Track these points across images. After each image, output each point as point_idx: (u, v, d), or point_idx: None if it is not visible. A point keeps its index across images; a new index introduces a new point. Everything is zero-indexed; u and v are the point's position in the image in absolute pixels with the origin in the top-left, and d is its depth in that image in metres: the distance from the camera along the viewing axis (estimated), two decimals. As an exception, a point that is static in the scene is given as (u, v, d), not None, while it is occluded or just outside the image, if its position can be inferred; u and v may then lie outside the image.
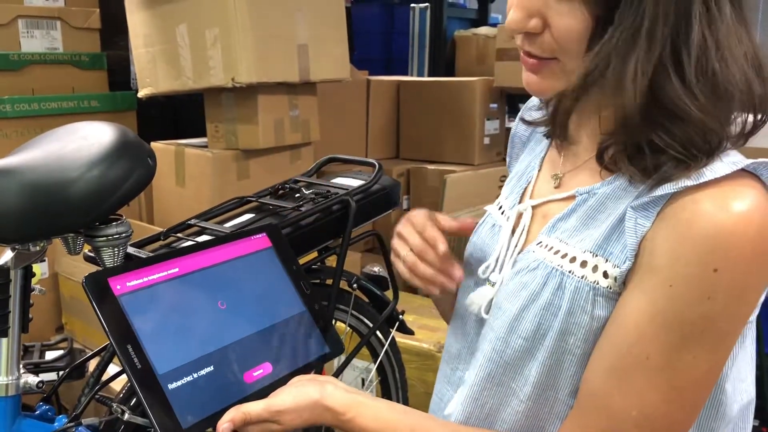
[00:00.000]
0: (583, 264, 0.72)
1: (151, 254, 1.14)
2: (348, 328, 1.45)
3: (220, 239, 0.91)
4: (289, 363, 0.86)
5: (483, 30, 3.71)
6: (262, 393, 0.79)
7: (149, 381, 0.74)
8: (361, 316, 1.47)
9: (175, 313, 0.80)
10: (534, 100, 0.93)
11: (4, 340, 1.08)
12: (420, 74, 4.21)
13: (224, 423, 0.74)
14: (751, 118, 0.71)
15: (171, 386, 0.75)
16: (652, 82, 0.66)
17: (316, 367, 0.89)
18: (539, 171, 0.88)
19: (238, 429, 0.76)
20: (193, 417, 0.75)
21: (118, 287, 0.77)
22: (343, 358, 1.39)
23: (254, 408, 0.76)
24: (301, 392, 0.77)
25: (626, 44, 0.66)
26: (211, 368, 0.79)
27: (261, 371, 0.82)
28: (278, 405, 0.76)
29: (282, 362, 0.85)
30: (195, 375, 0.77)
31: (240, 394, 0.79)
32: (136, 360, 0.74)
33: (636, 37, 0.65)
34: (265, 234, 0.95)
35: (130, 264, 0.81)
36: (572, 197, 0.78)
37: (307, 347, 0.89)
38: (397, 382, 1.59)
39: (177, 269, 0.83)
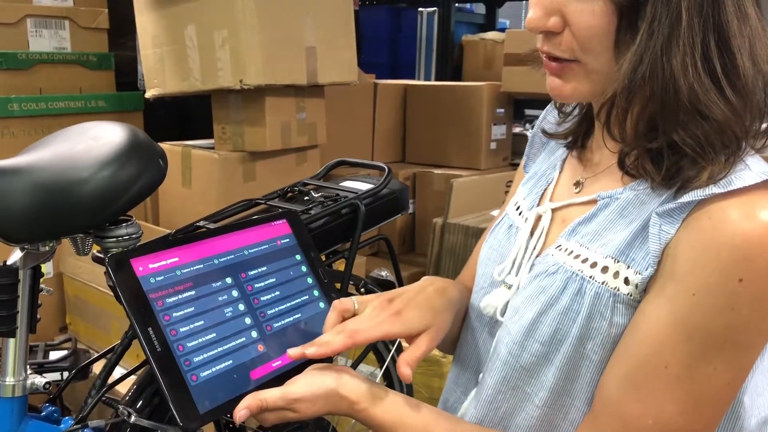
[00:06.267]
0: (604, 269, 0.71)
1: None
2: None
3: (241, 224, 0.91)
4: None
5: (490, 35, 3.71)
6: (279, 380, 0.79)
7: (168, 364, 0.74)
8: (368, 321, 1.45)
9: (196, 297, 0.80)
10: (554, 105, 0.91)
11: (12, 341, 1.07)
12: (427, 78, 4.21)
13: (241, 409, 0.74)
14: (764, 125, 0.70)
15: (190, 371, 0.75)
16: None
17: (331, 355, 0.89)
18: (560, 173, 0.87)
19: (255, 416, 0.75)
20: (210, 402, 0.75)
21: (141, 269, 0.78)
22: (349, 362, 1.38)
23: (271, 395, 0.75)
24: (318, 381, 0.77)
25: (667, 38, 0.64)
26: (230, 353, 0.79)
27: (279, 358, 0.82)
28: (294, 393, 0.75)
29: None
30: (213, 360, 0.77)
31: (257, 381, 0.79)
32: (156, 343, 0.74)
33: (676, 30, 0.64)
34: (285, 220, 0.95)
35: (154, 245, 0.81)
36: (593, 201, 0.77)
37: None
38: (403, 388, 1.58)
39: (199, 252, 0.84)
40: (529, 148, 0.98)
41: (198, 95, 2.21)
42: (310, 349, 0.79)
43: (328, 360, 0.82)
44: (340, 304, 0.84)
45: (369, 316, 0.81)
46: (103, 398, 1.14)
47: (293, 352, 0.79)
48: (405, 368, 0.77)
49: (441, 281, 0.89)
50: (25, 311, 1.07)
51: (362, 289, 1.43)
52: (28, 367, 1.10)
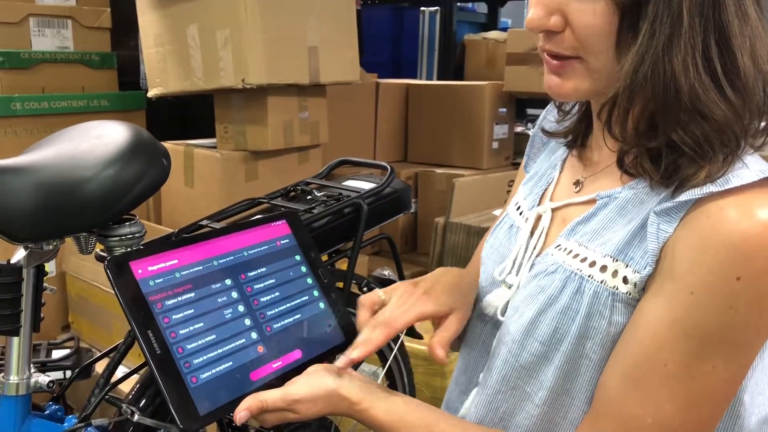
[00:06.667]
0: (603, 269, 0.72)
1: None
2: (357, 332, 1.44)
3: (241, 225, 0.91)
4: (306, 352, 0.86)
5: (492, 34, 3.71)
6: (279, 381, 0.80)
7: (168, 367, 0.74)
8: (371, 320, 1.46)
9: (195, 298, 0.81)
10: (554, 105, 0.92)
11: (15, 339, 1.07)
12: (429, 78, 4.22)
13: (241, 411, 0.74)
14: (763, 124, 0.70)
15: (190, 372, 0.75)
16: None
17: (331, 356, 0.89)
18: (560, 173, 0.87)
19: (255, 417, 0.76)
20: (210, 404, 0.75)
21: (140, 271, 0.78)
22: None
23: (271, 396, 0.75)
24: (318, 381, 0.77)
25: (668, 38, 0.65)
26: (230, 355, 0.79)
27: (279, 359, 0.82)
28: (294, 394, 0.76)
29: (299, 350, 0.85)
30: (214, 361, 0.77)
31: (257, 382, 0.80)
32: (156, 345, 0.74)
33: (677, 30, 0.64)
34: (285, 221, 0.95)
35: (152, 248, 0.81)
36: (593, 201, 0.78)
37: (323, 336, 0.89)
38: (405, 387, 1.58)
39: (198, 254, 0.84)
40: (529, 148, 0.99)
41: (200, 94, 2.22)
42: (354, 353, 0.79)
43: (329, 360, 0.83)
44: (367, 298, 0.85)
45: (398, 302, 0.83)
46: (107, 397, 1.15)
47: (341, 363, 0.80)
48: (438, 350, 0.80)
49: (457, 269, 0.92)
50: (29, 310, 1.07)
51: (365, 288, 1.43)
52: (31, 365, 1.11)
